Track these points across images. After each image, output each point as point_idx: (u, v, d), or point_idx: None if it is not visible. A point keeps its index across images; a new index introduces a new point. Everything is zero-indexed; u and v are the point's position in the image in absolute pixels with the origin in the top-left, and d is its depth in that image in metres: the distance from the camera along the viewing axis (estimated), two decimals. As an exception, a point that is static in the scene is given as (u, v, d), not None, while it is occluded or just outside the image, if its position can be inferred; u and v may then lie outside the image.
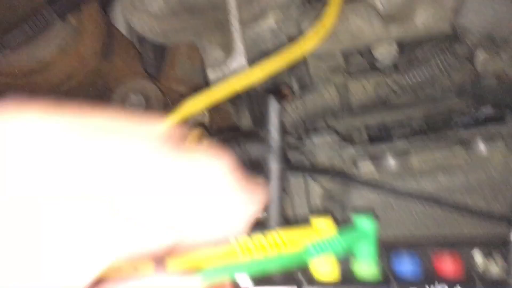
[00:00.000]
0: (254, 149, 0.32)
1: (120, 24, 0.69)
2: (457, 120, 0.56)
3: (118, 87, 0.61)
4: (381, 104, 0.57)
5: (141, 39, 0.73)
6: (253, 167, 0.43)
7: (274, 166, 0.32)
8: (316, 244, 0.30)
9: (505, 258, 0.30)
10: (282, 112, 0.32)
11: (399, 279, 0.32)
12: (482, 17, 0.47)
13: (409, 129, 0.57)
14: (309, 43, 0.42)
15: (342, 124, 0.61)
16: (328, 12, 0.46)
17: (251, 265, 0.28)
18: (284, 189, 0.33)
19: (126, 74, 0.66)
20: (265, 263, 0.28)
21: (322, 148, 0.52)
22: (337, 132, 0.56)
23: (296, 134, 0.57)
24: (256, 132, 0.33)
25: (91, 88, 0.65)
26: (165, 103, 0.64)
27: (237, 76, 0.43)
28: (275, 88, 0.43)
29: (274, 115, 0.32)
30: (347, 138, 0.56)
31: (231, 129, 0.40)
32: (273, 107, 0.32)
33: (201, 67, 0.67)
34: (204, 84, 0.67)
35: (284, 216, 0.34)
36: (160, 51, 0.74)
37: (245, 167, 0.47)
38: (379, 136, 0.55)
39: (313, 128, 0.59)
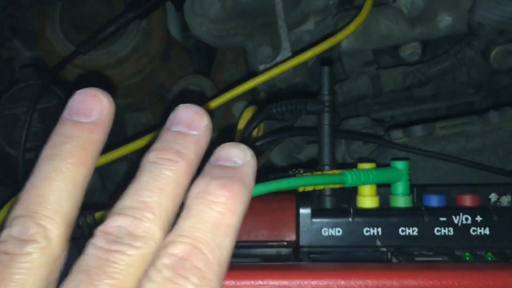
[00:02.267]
0: (310, 104, 0.41)
1: (172, 29, 0.80)
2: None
3: (178, 81, 0.71)
4: (403, 92, 0.66)
5: (188, 42, 0.84)
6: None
7: (327, 116, 0.40)
8: (355, 171, 0.39)
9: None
10: (333, 78, 0.41)
11: (428, 208, 0.40)
12: (493, 14, 0.55)
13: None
14: (337, 38, 0.51)
15: (373, 115, 0.70)
16: (360, 13, 0.55)
17: (304, 180, 0.37)
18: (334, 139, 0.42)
19: (180, 74, 0.76)
20: (314, 179, 0.37)
21: (358, 128, 0.60)
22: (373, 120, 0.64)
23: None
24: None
25: (152, 83, 0.75)
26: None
27: (282, 64, 0.52)
28: (327, 60, 0.52)
29: (326, 80, 0.41)
30: (382, 125, 0.64)
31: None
32: (325, 74, 0.41)
33: (245, 71, 0.77)
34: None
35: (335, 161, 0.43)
36: (203, 58, 0.84)
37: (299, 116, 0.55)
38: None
39: (344, 116, 0.68)
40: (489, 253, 0.37)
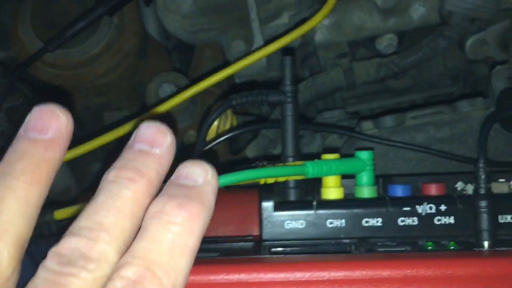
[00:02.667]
0: (272, 94, 0.40)
1: (150, 27, 0.79)
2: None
3: (152, 78, 0.70)
4: (381, 84, 0.65)
5: (167, 42, 0.83)
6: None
7: (289, 106, 0.40)
8: (317, 162, 0.38)
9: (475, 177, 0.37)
10: (295, 68, 0.41)
11: (392, 198, 0.40)
12: (464, 2, 0.55)
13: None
14: (303, 29, 0.51)
15: (350, 108, 0.69)
16: (327, 3, 0.55)
17: (264, 171, 0.36)
18: (298, 131, 0.41)
19: (158, 72, 0.75)
20: (274, 171, 0.36)
21: (332, 121, 0.60)
22: (347, 112, 0.64)
23: (309, 110, 0.66)
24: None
25: (129, 80, 0.74)
26: (194, 96, 0.73)
27: (251, 55, 0.51)
28: (289, 50, 0.52)
29: (288, 71, 0.41)
30: (355, 117, 0.64)
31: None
32: (287, 64, 0.41)
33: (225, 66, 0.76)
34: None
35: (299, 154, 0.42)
36: (183, 53, 0.84)
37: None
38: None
39: (322, 109, 0.67)
40: (452, 242, 0.37)
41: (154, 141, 0.24)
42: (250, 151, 0.66)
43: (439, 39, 0.58)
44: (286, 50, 0.48)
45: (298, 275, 0.33)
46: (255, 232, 0.43)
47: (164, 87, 0.70)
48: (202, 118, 0.68)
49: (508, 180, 0.41)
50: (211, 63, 0.79)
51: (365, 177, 0.41)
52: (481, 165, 0.36)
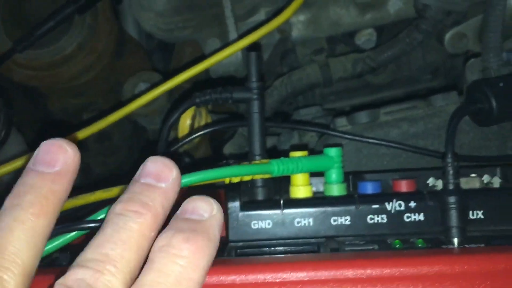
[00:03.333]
0: (237, 91, 0.39)
1: (130, 26, 0.78)
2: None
3: (128, 78, 0.69)
4: (359, 81, 0.64)
5: (150, 41, 0.82)
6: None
7: (255, 103, 0.39)
8: (282, 160, 0.37)
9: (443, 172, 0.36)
10: (260, 64, 0.40)
11: (361, 195, 0.39)
12: (437, -4, 0.54)
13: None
14: (273, 24, 0.50)
15: (329, 105, 0.68)
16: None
17: (227, 170, 0.35)
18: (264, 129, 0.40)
19: (136, 71, 0.74)
20: (238, 170, 0.35)
21: (308, 118, 0.59)
22: (323, 109, 0.63)
23: (284, 107, 0.65)
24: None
25: (105, 81, 0.73)
26: (170, 93, 0.72)
27: (223, 50, 0.50)
28: (254, 46, 0.51)
29: (253, 67, 0.40)
30: (332, 114, 0.63)
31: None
32: (252, 60, 0.39)
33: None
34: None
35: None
36: (168, 52, 0.82)
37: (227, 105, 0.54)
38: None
39: (302, 106, 0.66)
40: (420, 240, 0.36)
41: (160, 175, 0.25)
42: (227, 150, 0.64)
43: (415, 33, 0.57)
44: (252, 47, 0.47)
45: (263, 277, 0.32)
46: (222, 233, 0.42)
47: (141, 86, 0.69)
48: (165, 117, 0.67)
49: (479, 175, 0.40)
50: (191, 61, 0.78)
51: (334, 175, 0.40)
52: (448, 160, 0.35)
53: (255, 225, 0.38)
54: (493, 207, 0.37)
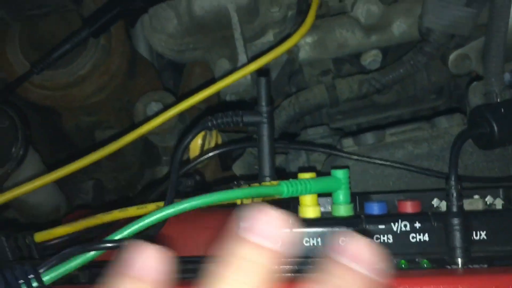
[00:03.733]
0: (247, 115, 0.41)
1: (141, 47, 0.80)
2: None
3: (140, 97, 0.71)
4: (365, 100, 0.66)
5: (160, 61, 0.84)
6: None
7: (265, 127, 0.40)
8: (292, 181, 0.39)
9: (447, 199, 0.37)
10: (270, 89, 0.41)
11: (368, 216, 0.40)
12: (441, 19, 0.56)
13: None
14: (281, 49, 0.52)
15: (336, 124, 0.70)
16: (308, 15, 0.56)
17: (240, 192, 0.37)
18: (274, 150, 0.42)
19: (147, 91, 0.76)
20: (248, 192, 0.37)
21: (315, 137, 0.60)
22: (330, 128, 0.64)
23: (292, 127, 0.66)
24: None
25: (117, 100, 0.75)
26: (182, 114, 0.74)
27: (234, 73, 0.52)
28: (264, 72, 0.52)
29: (263, 91, 0.41)
30: (339, 133, 0.64)
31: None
32: (262, 85, 0.41)
33: (211, 84, 0.77)
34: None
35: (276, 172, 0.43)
36: (177, 71, 0.85)
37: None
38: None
39: (310, 125, 0.68)
40: (425, 260, 0.37)
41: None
42: (237, 168, 0.66)
43: (419, 56, 0.59)
44: (261, 72, 0.49)
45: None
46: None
47: (152, 105, 0.71)
48: (178, 140, 0.69)
49: (482, 197, 0.41)
50: (200, 80, 0.80)
51: (341, 196, 0.41)
52: (452, 183, 0.36)
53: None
54: (496, 228, 0.38)
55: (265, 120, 0.41)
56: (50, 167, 0.71)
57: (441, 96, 0.70)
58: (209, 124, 0.41)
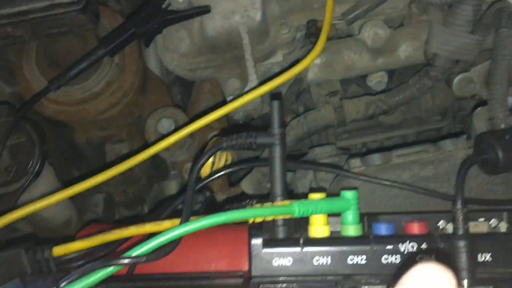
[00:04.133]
0: (261, 137, 0.42)
1: (152, 63, 0.82)
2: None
3: (151, 113, 0.73)
4: (371, 120, 0.68)
5: (169, 75, 0.86)
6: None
7: (277, 148, 0.42)
8: (303, 202, 0.40)
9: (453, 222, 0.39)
10: (282, 111, 0.43)
11: (376, 236, 0.41)
12: (447, 45, 0.58)
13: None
14: (301, 65, 0.53)
15: (343, 143, 0.71)
16: (319, 41, 0.58)
17: (252, 212, 0.38)
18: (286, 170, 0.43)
19: (158, 107, 0.78)
20: (261, 211, 0.38)
21: (323, 156, 0.62)
22: (338, 148, 0.66)
23: (300, 146, 0.68)
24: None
25: (129, 115, 0.77)
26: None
27: (245, 95, 0.54)
28: (277, 95, 0.54)
29: (276, 114, 0.43)
30: (346, 153, 0.66)
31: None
32: (275, 108, 0.43)
33: (222, 102, 0.79)
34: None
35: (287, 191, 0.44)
36: (187, 89, 0.87)
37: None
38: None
39: (316, 144, 0.70)
40: (431, 280, 0.38)
41: None
42: (245, 185, 0.68)
43: (424, 79, 0.61)
44: (274, 95, 0.51)
45: (283, 313, 0.35)
46: (245, 267, 0.45)
47: (163, 122, 0.73)
48: (195, 155, 0.70)
49: (487, 219, 0.43)
50: (209, 97, 0.82)
51: (350, 216, 0.42)
52: (458, 206, 0.38)
53: (276, 261, 0.41)
54: (501, 250, 0.39)
55: (277, 142, 0.43)
56: (63, 181, 0.73)
57: (445, 117, 0.72)
58: (224, 145, 0.42)
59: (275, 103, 0.43)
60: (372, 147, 0.71)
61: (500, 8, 0.53)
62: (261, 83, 0.69)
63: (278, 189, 0.43)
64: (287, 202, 0.42)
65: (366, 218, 0.44)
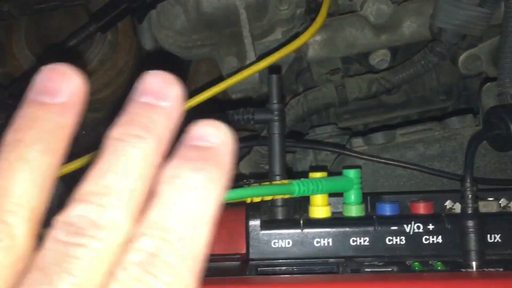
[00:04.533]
0: (259, 113, 0.40)
1: (148, 44, 0.80)
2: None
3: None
4: (374, 100, 0.65)
5: (168, 56, 0.83)
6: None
7: (276, 125, 0.40)
8: (303, 181, 0.38)
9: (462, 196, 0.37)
10: (281, 86, 0.41)
11: (380, 217, 0.39)
12: (454, 19, 0.55)
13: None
14: (300, 40, 0.51)
15: (344, 123, 0.69)
16: (319, 15, 0.55)
17: (250, 191, 0.36)
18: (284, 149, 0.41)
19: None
20: (261, 190, 0.36)
21: (324, 136, 0.60)
22: (339, 128, 0.64)
23: (300, 127, 0.66)
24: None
25: (123, 97, 0.75)
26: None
27: (242, 71, 0.52)
28: (275, 69, 0.52)
29: (275, 89, 0.41)
30: (348, 133, 0.64)
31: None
32: (273, 82, 0.41)
33: (219, 81, 0.77)
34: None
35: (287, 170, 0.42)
36: (185, 68, 0.84)
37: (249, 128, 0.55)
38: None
39: (316, 124, 0.67)
40: (439, 263, 0.36)
41: (160, 92, 0.21)
42: (243, 166, 0.65)
43: (430, 56, 0.58)
44: (273, 69, 0.48)
45: (283, 297, 0.33)
46: (243, 250, 0.43)
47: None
48: None
49: (497, 198, 0.41)
50: (207, 78, 0.79)
51: (352, 196, 0.40)
52: (467, 185, 0.36)
53: (275, 244, 0.39)
54: (511, 231, 0.37)
55: (276, 118, 0.40)
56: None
57: (450, 97, 0.69)
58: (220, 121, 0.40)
59: (273, 78, 0.41)
60: (374, 127, 0.68)
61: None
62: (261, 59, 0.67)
63: (277, 167, 0.41)
64: (286, 181, 0.39)
65: (370, 198, 0.42)
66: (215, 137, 0.21)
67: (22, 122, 0.21)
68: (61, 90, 0.21)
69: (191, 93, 0.74)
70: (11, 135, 0.21)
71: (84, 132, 0.76)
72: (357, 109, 0.70)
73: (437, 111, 0.70)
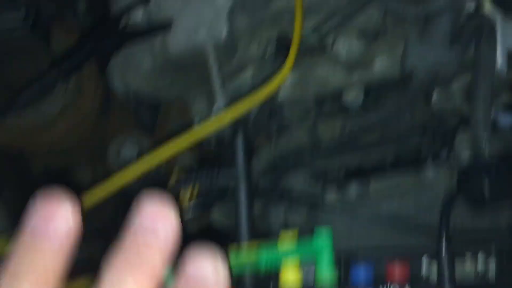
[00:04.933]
0: (222, 177, 0.38)
1: (116, 85, 0.77)
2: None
3: (114, 140, 0.68)
4: (349, 142, 0.63)
5: (137, 99, 0.81)
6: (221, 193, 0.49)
7: (242, 187, 0.37)
8: (270, 252, 0.36)
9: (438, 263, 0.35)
10: (247, 149, 0.39)
11: (353, 284, 0.37)
12: (424, 60, 0.54)
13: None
14: (270, 87, 0.49)
15: (318, 165, 0.67)
16: (288, 57, 0.54)
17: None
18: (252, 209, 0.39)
19: (121, 130, 0.73)
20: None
21: (296, 185, 0.58)
22: (313, 172, 0.62)
23: (271, 173, 0.64)
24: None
25: (90, 142, 0.72)
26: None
27: (212, 119, 0.49)
28: (241, 125, 0.50)
29: (240, 153, 0.39)
30: (322, 178, 0.62)
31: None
32: (239, 145, 0.39)
33: (192, 122, 0.74)
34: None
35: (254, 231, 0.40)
36: (155, 110, 0.82)
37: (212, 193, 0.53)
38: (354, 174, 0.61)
39: (290, 169, 0.65)
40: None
41: (157, 229, 0.21)
42: (216, 214, 0.63)
43: (402, 96, 0.57)
44: (236, 127, 0.46)
45: None
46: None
47: (127, 148, 0.68)
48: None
49: (475, 254, 0.39)
50: (178, 119, 0.77)
51: (323, 264, 0.38)
52: (443, 256, 0.34)
53: (244, 318, 0.36)
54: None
55: (242, 182, 0.38)
56: (19, 217, 0.67)
57: (425, 133, 0.68)
58: (181, 189, 0.38)
59: (238, 143, 0.39)
60: (350, 167, 0.67)
61: (479, 23, 0.49)
62: (232, 99, 0.65)
63: (244, 233, 0.39)
64: (254, 244, 0.37)
65: (344, 257, 0.40)
66: (212, 276, 0.21)
67: (18, 266, 0.20)
68: (55, 232, 0.21)
69: (163, 138, 0.72)
70: (6, 279, 0.20)
71: (50, 180, 0.73)
72: (332, 148, 0.68)
73: (414, 148, 0.69)
